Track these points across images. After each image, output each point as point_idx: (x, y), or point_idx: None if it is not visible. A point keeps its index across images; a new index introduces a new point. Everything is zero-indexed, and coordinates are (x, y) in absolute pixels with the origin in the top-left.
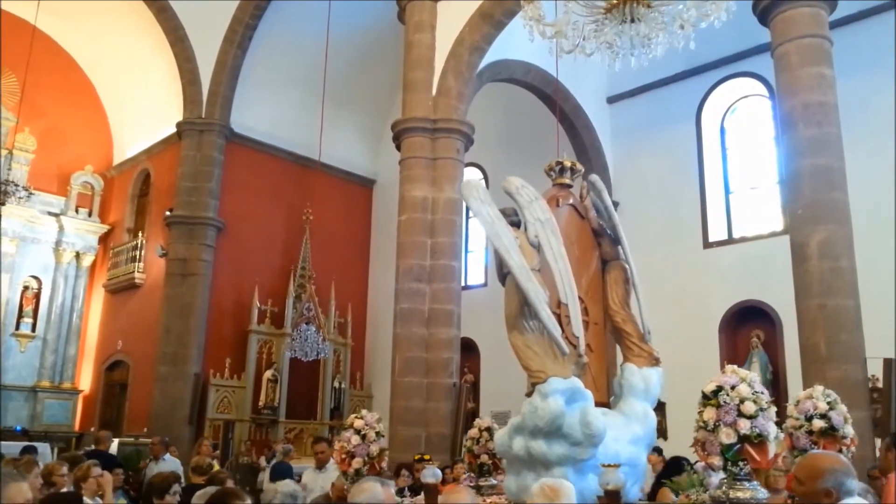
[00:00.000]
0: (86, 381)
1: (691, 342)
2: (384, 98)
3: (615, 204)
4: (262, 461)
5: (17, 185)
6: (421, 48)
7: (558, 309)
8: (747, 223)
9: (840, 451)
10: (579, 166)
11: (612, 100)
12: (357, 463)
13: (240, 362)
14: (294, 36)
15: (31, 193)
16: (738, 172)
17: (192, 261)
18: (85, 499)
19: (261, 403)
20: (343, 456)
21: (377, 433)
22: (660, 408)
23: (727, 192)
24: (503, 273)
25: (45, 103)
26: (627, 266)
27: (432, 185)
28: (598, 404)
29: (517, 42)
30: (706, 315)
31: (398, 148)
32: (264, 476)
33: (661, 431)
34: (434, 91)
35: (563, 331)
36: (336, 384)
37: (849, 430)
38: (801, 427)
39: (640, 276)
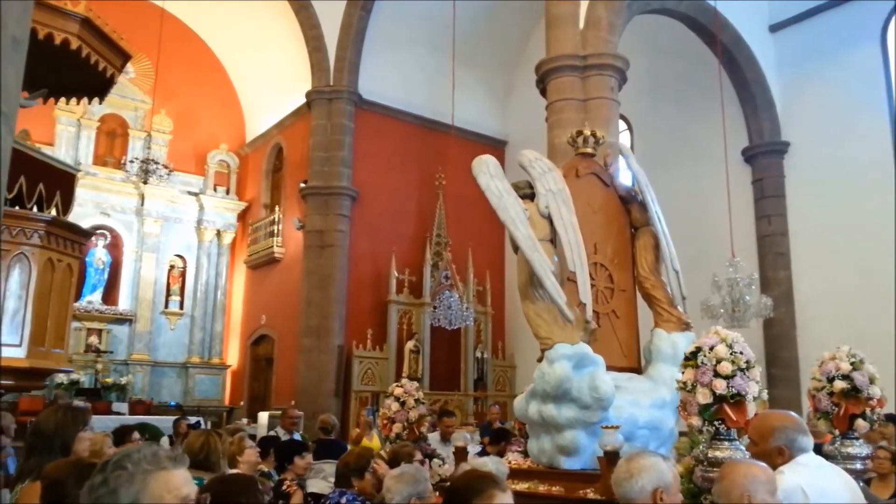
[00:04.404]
0: (233, 356)
1: (885, 304)
2: (511, 57)
3: (785, 145)
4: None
5: (156, 163)
6: None
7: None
8: None
9: (864, 413)
10: (601, 134)
11: (774, 28)
12: (397, 428)
13: (381, 333)
14: None
15: (170, 171)
16: None
17: (328, 232)
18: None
19: (404, 374)
20: (384, 421)
21: (416, 400)
22: None
23: None
24: (516, 245)
25: (178, 85)
26: (657, 231)
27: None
28: (627, 369)
29: None
30: None
31: (543, 93)
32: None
33: None
34: (581, 24)
35: (579, 300)
36: (478, 354)
37: (875, 391)
38: (822, 388)
39: (817, 229)
